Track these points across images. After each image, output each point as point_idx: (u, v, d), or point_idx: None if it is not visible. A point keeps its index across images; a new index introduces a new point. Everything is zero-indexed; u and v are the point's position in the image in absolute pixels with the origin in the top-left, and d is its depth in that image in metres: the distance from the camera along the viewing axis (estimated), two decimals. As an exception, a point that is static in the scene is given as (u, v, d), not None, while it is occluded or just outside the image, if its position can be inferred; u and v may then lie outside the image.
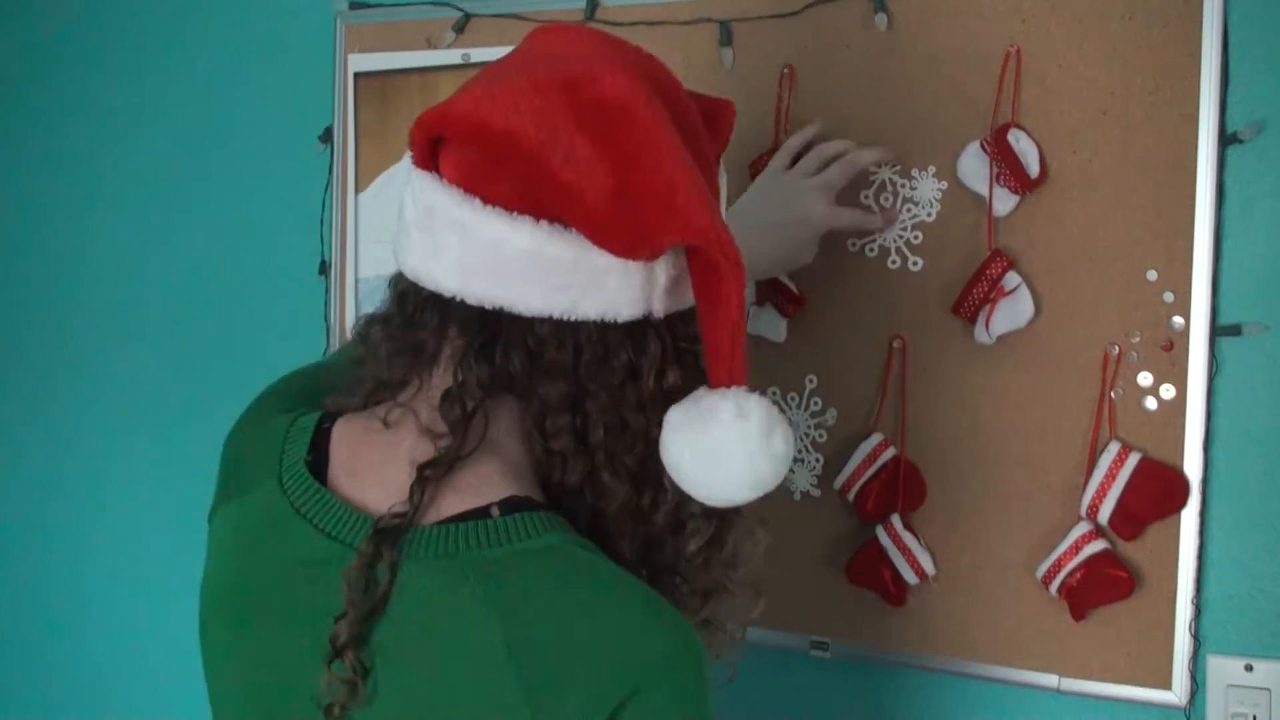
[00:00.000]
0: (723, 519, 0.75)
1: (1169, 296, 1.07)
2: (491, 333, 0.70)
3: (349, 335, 1.46)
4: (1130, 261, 1.09)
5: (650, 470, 0.73)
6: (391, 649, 0.69)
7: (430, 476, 0.70)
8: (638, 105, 0.68)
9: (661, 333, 0.72)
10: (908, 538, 1.15)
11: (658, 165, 0.67)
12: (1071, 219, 1.11)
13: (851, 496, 1.18)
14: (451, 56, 1.37)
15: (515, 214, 0.67)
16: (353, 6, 1.44)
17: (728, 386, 0.69)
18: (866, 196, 1.18)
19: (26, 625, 1.77)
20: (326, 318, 1.49)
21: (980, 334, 1.12)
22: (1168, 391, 1.08)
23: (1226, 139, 1.05)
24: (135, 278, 1.65)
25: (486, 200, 0.68)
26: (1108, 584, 1.07)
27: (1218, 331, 1.07)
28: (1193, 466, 1.07)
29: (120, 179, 1.66)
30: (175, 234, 1.62)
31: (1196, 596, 1.07)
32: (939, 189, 1.15)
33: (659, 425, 0.71)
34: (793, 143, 1.15)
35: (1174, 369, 1.07)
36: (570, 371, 0.71)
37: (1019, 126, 1.11)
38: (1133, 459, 1.07)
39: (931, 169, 1.16)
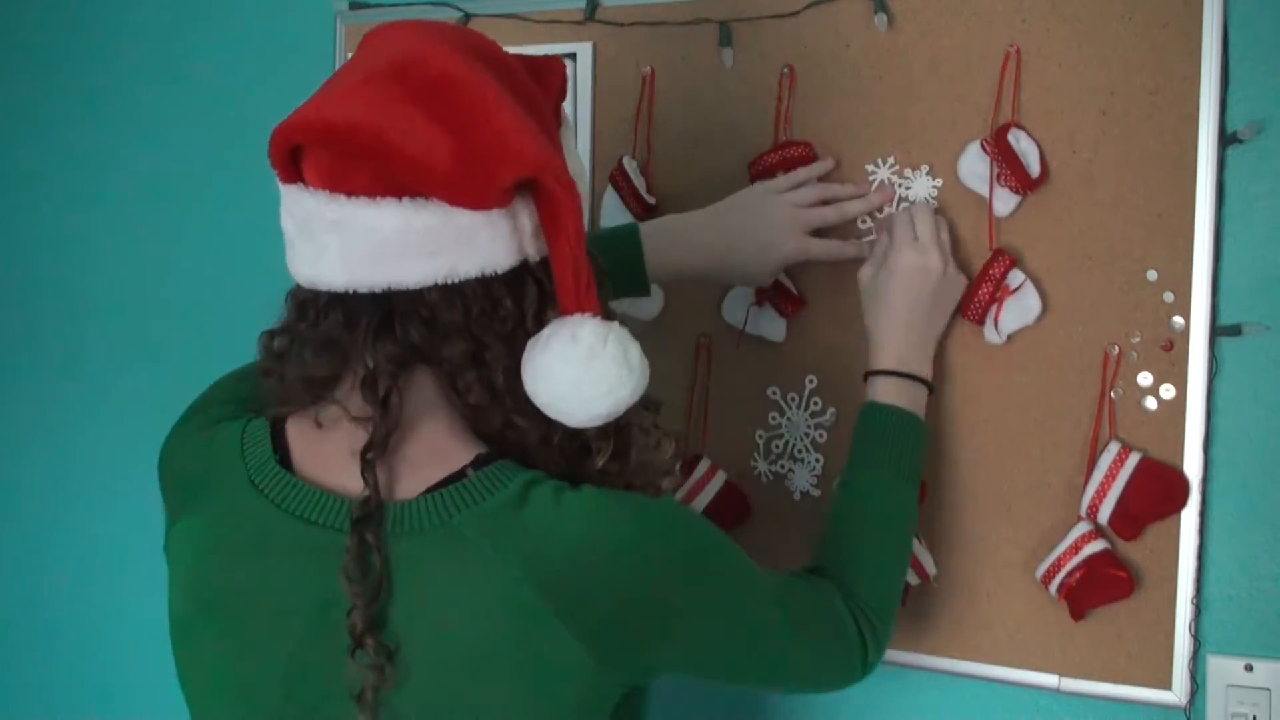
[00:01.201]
0: (620, 433, 0.80)
1: (1169, 296, 1.07)
2: (386, 312, 0.75)
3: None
4: (1130, 261, 1.09)
5: None
6: (414, 626, 0.73)
7: (372, 458, 0.75)
8: (461, 72, 0.74)
9: (538, 275, 0.77)
10: (908, 538, 1.15)
11: (488, 119, 0.72)
12: (1071, 219, 1.11)
13: (851, 496, 1.18)
14: (451, 56, 1.37)
15: (379, 198, 0.71)
16: (353, 6, 1.44)
17: (581, 314, 0.74)
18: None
19: (31, 633, 1.77)
20: (326, 318, 1.49)
21: (990, 334, 1.12)
22: (1168, 391, 1.08)
23: (1226, 139, 1.05)
24: (136, 280, 1.65)
25: (350, 194, 0.72)
26: (1107, 584, 1.07)
27: (1218, 331, 1.07)
28: (1193, 466, 1.07)
29: (120, 181, 1.66)
30: (176, 236, 1.62)
31: (1196, 596, 1.07)
32: (935, 188, 1.15)
33: None
34: (801, 174, 1.16)
35: (1174, 369, 1.07)
36: (465, 329, 0.75)
37: (1019, 126, 1.11)
38: (1133, 459, 1.07)
39: (926, 168, 1.15)
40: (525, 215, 0.75)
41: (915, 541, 1.15)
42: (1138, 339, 1.09)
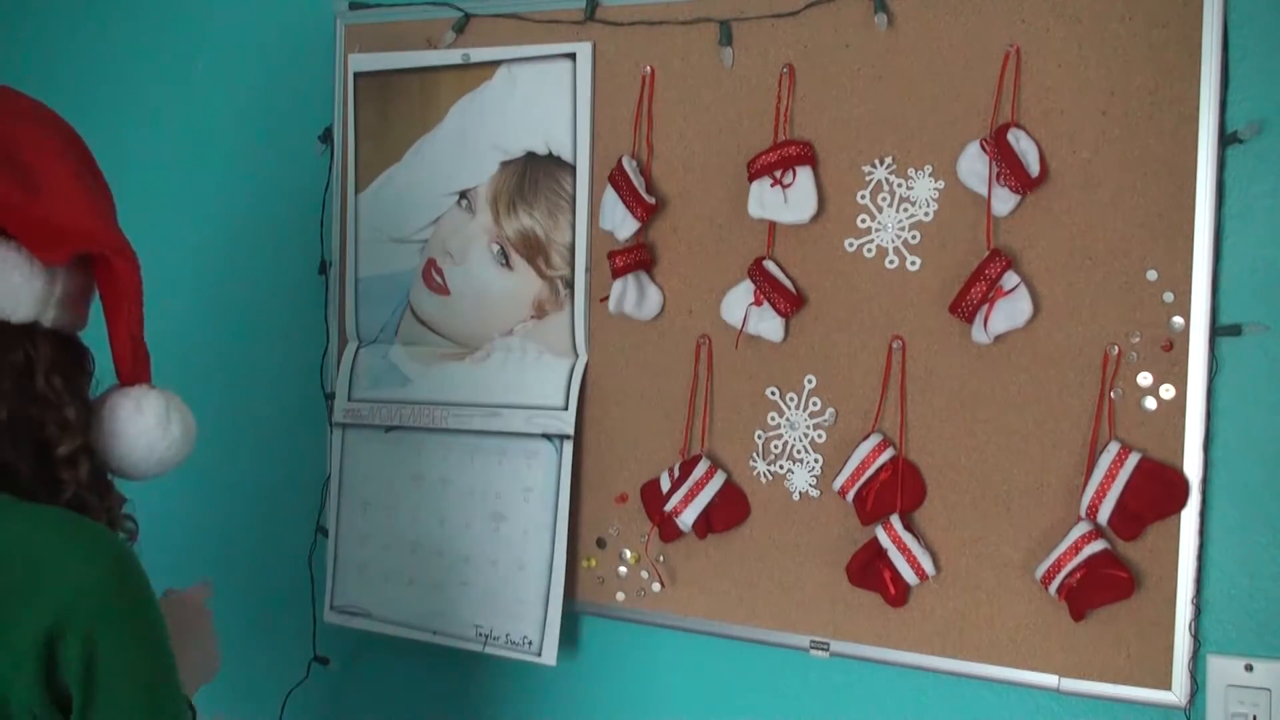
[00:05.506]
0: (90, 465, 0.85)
1: (1169, 296, 1.07)
2: None
3: (345, 336, 1.46)
4: (1130, 261, 1.09)
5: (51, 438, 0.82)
6: None
7: None
8: (34, 137, 0.83)
9: (50, 341, 0.81)
10: (908, 538, 1.15)
11: (68, 186, 0.81)
12: (1071, 219, 1.11)
13: (850, 497, 1.18)
14: (451, 56, 1.37)
15: None
16: (353, 6, 1.44)
17: (132, 385, 0.86)
18: (863, 196, 1.18)
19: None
20: (326, 318, 1.49)
21: (978, 333, 1.12)
22: (1167, 391, 1.08)
23: (1226, 139, 1.05)
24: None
25: None
26: (1107, 584, 1.07)
27: (1218, 331, 1.07)
28: (1193, 466, 1.07)
29: (120, 179, 1.65)
30: (175, 234, 1.62)
31: (1196, 596, 1.07)
32: (935, 188, 1.15)
33: (55, 410, 0.81)
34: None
35: (1174, 369, 1.07)
36: None
37: (1019, 126, 1.11)
38: (1132, 459, 1.07)
39: (928, 168, 1.15)
40: (61, 285, 0.80)
41: (914, 540, 1.15)
42: (1138, 339, 1.09)
